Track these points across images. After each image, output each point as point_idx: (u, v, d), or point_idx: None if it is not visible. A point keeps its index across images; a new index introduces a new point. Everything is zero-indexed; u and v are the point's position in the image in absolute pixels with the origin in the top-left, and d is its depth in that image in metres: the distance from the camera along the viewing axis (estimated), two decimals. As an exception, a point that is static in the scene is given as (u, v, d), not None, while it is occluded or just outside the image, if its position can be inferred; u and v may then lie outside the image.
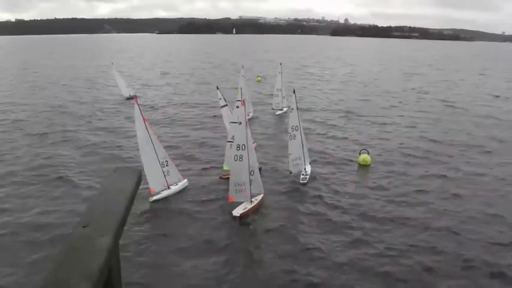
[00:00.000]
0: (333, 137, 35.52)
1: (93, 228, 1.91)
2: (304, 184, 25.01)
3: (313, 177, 25.95)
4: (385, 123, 40.66)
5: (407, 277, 16.02)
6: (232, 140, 21.37)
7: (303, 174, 25.57)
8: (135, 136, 22.95)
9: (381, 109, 48.11)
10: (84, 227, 1.92)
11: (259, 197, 21.84)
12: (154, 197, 22.43)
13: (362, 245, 18.40)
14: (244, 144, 20.42)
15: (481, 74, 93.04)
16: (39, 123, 40.97)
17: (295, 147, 25.23)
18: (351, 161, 29.24)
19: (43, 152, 31.45)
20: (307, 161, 26.49)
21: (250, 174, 20.91)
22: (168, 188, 23.16)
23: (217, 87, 27.99)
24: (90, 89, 64.22)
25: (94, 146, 33.13)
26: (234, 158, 20.66)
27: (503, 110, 48.80)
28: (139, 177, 2.45)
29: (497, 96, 59.45)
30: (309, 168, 26.35)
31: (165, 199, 22.81)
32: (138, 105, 22.37)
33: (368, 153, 28.76)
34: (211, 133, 37.03)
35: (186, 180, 24.44)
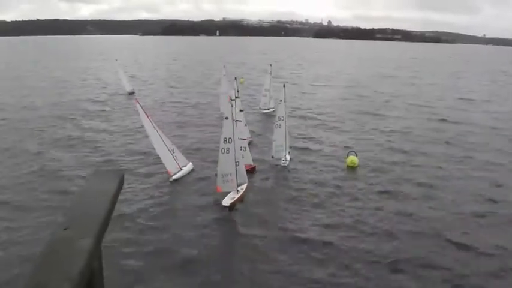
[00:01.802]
0: (319, 139, 36.31)
1: (74, 231, 1.87)
2: (285, 166, 28.47)
3: (299, 177, 27.27)
4: (367, 126, 41.61)
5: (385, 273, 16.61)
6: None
7: (283, 160, 28.81)
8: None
9: (363, 111, 49.16)
10: (65, 229, 1.88)
11: (244, 186, 23.48)
12: (174, 177, 25.71)
13: (343, 239, 19.26)
14: (230, 138, 22.07)
15: (458, 78, 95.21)
16: (26, 124, 41.23)
17: (280, 135, 28.46)
18: (339, 162, 29.87)
19: (26, 152, 31.87)
20: (288, 149, 29.47)
21: (236, 165, 22.52)
22: (181, 169, 26.39)
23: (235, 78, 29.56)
24: (77, 88, 64.90)
25: (78, 145, 33.82)
26: (222, 150, 22.25)
27: (473, 113, 50.27)
28: (122, 179, 2.41)
29: (470, 99, 60.93)
30: (288, 156, 29.36)
31: (156, 192, 24.29)
32: (140, 104, 25.49)
33: (356, 155, 29.43)
34: (200, 128, 38.78)
35: (191, 163, 27.65)
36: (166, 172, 25.74)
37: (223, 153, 22.21)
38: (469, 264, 16.89)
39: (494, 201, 23.08)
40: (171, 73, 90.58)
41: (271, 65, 44.21)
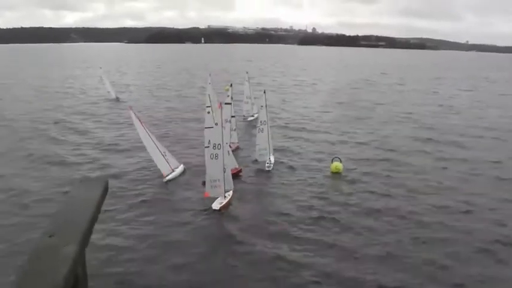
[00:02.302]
0: (302, 146, 36.53)
1: (59, 238, 1.90)
2: (269, 171, 29.07)
3: (284, 182, 27.44)
4: (351, 133, 41.88)
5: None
6: (208, 145, 23.23)
7: (267, 163, 29.64)
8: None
9: (346, 118, 49.77)
10: (50, 236, 1.91)
11: (231, 193, 24.02)
12: (167, 178, 27.17)
13: (323, 244, 19.44)
14: (219, 144, 22.62)
15: (441, 84, 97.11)
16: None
17: (263, 139, 29.59)
18: (323, 168, 29.94)
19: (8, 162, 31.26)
20: (271, 152, 30.49)
21: (224, 171, 23.11)
22: (173, 170, 27.81)
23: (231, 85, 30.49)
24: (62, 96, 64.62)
25: (61, 155, 33.30)
26: (210, 156, 22.79)
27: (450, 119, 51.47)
28: (106, 187, 2.51)
29: (442, 105, 61.61)
30: (272, 158, 30.36)
31: (147, 195, 25.11)
32: (133, 111, 27.10)
33: (340, 161, 29.47)
34: (184, 135, 39.07)
35: (182, 165, 29.00)
36: (162, 174, 27.13)
37: (211, 159, 22.81)
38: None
39: (478, 216, 22.75)
40: (155, 81, 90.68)
41: (247, 72, 44.83)
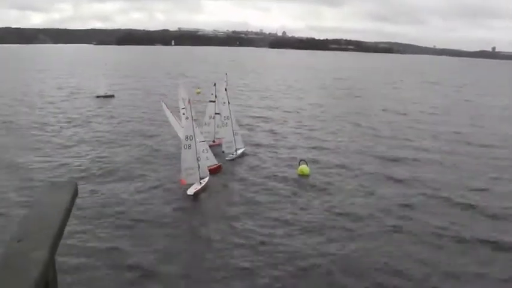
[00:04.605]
0: (270, 148, 36.80)
1: (28, 243, 1.89)
2: (231, 159, 31.63)
3: (251, 181, 28.07)
4: (316, 138, 41.55)
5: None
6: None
7: (231, 154, 32.04)
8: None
9: (310, 124, 49.53)
10: (18, 241, 1.91)
11: (206, 179, 26.28)
12: None
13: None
14: (191, 135, 25.15)
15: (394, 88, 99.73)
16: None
17: (228, 133, 31.96)
18: (289, 171, 30.11)
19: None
20: (238, 145, 32.81)
21: (197, 160, 25.49)
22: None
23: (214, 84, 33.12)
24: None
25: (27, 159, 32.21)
26: (184, 146, 25.22)
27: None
28: (76, 191, 2.46)
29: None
30: (240, 151, 32.76)
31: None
32: (164, 102, 31.58)
33: (307, 164, 29.59)
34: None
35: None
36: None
37: (185, 149, 25.07)
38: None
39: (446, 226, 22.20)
40: (128, 81, 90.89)
41: (226, 73, 45.23)
